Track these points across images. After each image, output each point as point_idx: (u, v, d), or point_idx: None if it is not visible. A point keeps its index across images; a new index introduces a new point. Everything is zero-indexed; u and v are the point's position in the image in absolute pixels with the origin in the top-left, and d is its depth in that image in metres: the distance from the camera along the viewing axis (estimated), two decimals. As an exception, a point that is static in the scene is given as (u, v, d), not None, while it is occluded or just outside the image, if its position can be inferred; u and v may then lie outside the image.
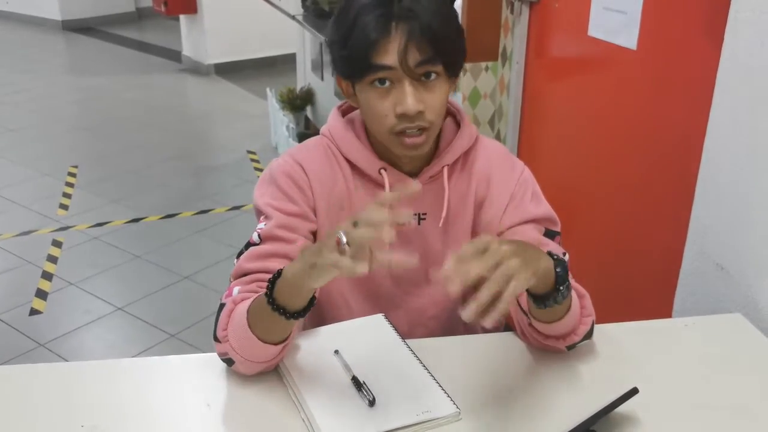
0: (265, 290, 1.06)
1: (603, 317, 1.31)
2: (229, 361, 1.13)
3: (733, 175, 1.41)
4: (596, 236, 2.11)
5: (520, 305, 1.19)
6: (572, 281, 1.17)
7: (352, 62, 1.16)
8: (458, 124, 1.32)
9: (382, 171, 1.26)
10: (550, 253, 1.06)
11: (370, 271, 0.94)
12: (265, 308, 1.05)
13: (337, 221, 1.26)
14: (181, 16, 6.75)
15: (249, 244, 1.23)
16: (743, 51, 1.35)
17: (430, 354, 1.18)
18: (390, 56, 1.13)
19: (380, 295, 1.33)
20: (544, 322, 1.14)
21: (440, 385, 1.11)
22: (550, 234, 1.29)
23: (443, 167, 1.28)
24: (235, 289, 1.17)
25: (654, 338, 1.29)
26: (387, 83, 1.15)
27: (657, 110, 1.82)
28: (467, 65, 2.39)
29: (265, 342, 1.09)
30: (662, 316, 1.61)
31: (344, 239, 0.93)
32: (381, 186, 1.27)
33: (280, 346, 1.11)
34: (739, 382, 1.18)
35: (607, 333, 1.28)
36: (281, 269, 1.05)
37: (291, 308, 1.05)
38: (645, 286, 1.84)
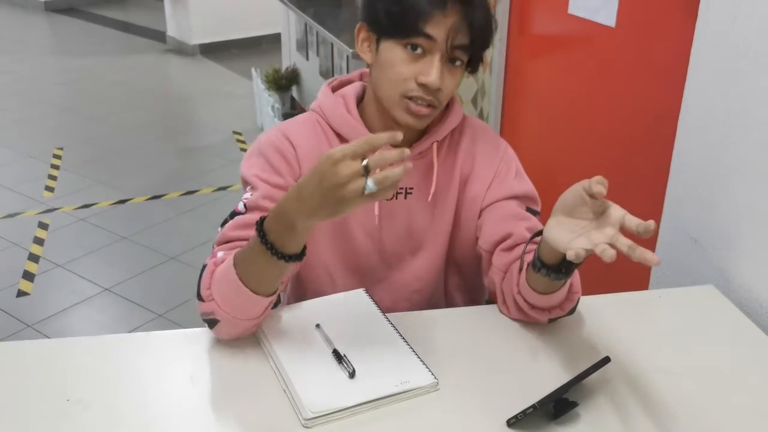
0: (256, 233, 1.05)
1: (583, 289, 1.34)
2: (212, 322, 1.15)
3: (707, 151, 1.44)
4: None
5: (519, 270, 1.21)
6: None
7: (401, 22, 1.17)
8: (448, 104, 1.35)
9: None
10: None
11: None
12: (255, 251, 1.05)
13: None
14: (166, -3, 6.71)
15: (234, 213, 1.24)
16: (716, 27, 1.37)
17: (410, 327, 1.21)
18: (439, 29, 1.16)
19: (364, 269, 1.35)
20: (538, 292, 1.16)
21: (419, 357, 1.14)
22: (531, 212, 1.32)
23: (433, 143, 1.30)
24: (219, 254, 1.18)
25: (628, 309, 1.33)
26: (419, 50, 1.18)
27: (635, 86, 1.85)
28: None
29: (256, 293, 1.09)
30: (639, 288, 1.64)
31: (373, 187, 0.94)
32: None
33: (268, 300, 1.12)
34: (711, 351, 1.22)
35: (584, 304, 1.30)
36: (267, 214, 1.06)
37: (283, 249, 1.04)
38: (623, 259, 1.87)
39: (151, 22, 7.62)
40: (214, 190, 4.07)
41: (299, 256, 1.07)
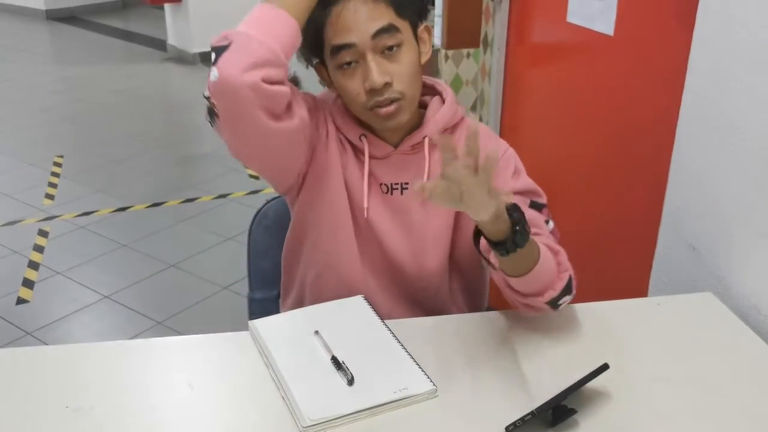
0: None
1: (582, 297, 1.35)
2: (219, 50, 1.08)
3: (705, 159, 1.44)
4: (575, 219, 2.14)
5: (493, 266, 1.20)
6: (545, 238, 1.21)
7: (318, 42, 1.21)
8: (443, 100, 1.35)
9: (363, 137, 1.29)
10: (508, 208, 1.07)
11: None
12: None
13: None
14: (166, 5, 6.72)
15: None
16: (713, 35, 1.38)
17: (408, 334, 1.21)
18: (350, 33, 1.17)
19: (367, 260, 1.35)
20: (516, 277, 1.15)
21: (417, 364, 1.14)
22: (536, 206, 1.31)
23: (424, 137, 1.31)
24: None
25: (627, 316, 1.33)
26: (352, 63, 1.19)
27: (633, 95, 1.85)
28: (449, 52, 2.41)
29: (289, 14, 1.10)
30: (638, 295, 1.64)
31: None
32: (362, 152, 1.30)
33: (292, 22, 1.11)
34: (709, 358, 1.22)
35: (583, 311, 1.31)
36: None
37: None
38: (622, 267, 1.88)
39: (152, 31, 7.65)
40: (213, 198, 4.07)
41: None
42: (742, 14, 1.30)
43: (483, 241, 1.14)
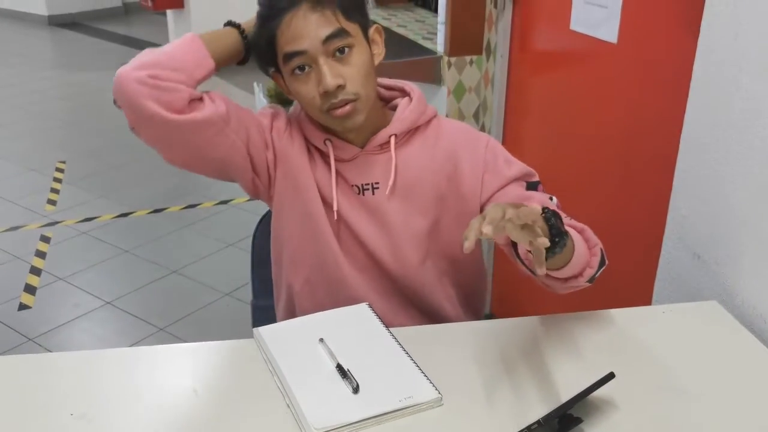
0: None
1: (586, 305, 1.35)
2: (125, 85, 1.17)
3: (710, 167, 1.44)
4: (579, 227, 2.14)
5: (529, 268, 1.21)
6: (568, 220, 1.22)
7: (270, 51, 1.25)
8: (410, 98, 1.37)
9: (327, 142, 1.32)
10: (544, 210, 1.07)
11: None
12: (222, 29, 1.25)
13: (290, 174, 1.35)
14: (168, 11, 6.73)
15: None
16: (718, 43, 1.38)
17: (413, 342, 1.21)
18: (299, 40, 1.20)
19: (350, 260, 1.36)
20: (555, 270, 1.16)
21: (423, 372, 1.14)
22: (531, 185, 1.33)
23: (390, 136, 1.32)
24: None
25: (632, 324, 1.32)
26: (305, 67, 1.22)
27: (637, 102, 1.85)
28: (452, 59, 2.41)
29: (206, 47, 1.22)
30: (643, 303, 1.64)
31: None
32: (327, 156, 1.33)
33: (208, 62, 1.22)
34: (714, 367, 1.21)
35: (588, 319, 1.31)
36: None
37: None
38: (626, 275, 1.87)
39: (154, 37, 7.66)
40: (215, 204, 4.08)
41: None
42: (748, 21, 1.30)
43: (522, 249, 1.15)
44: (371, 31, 1.29)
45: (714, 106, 1.41)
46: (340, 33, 1.21)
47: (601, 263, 1.23)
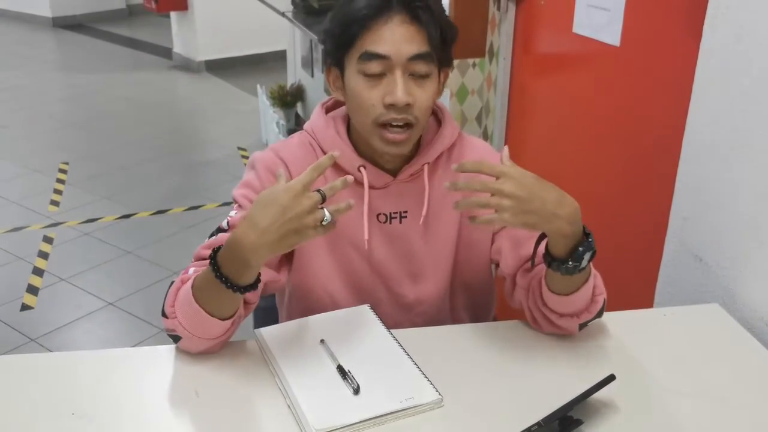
0: (210, 266, 1.08)
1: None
2: (175, 338, 1.17)
3: (711, 170, 1.44)
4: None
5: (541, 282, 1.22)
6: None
7: (349, 44, 1.19)
8: (440, 122, 1.34)
9: (362, 168, 1.27)
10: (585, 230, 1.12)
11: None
12: (211, 279, 1.08)
13: None
14: (172, 13, 6.75)
15: (218, 230, 1.25)
16: (720, 46, 1.38)
17: (414, 343, 1.21)
18: (390, 45, 1.16)
19: (363, 289, 1.35)
20: (559, 295, 1.16)
21: (423, 373, 1.14)
22: None
23: (424, 165, 1.30)
24: (191, 270, 1.20)
25: (633, 327, 1.32)
26: (379, 73, 1.18)
27: (639, 105, 1.85)
28: (455, 62, 2.41)
29: (212, 315, 1.11)
30: (644, 306, 1.64)
31: (329, 217, 1.02)
32: (360, 183, 1.28)
33: (227, 323, 1.14)
34: (715, 369, 1.21)
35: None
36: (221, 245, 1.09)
37: (237, 281, 1.07)
38: (628, 277, 1.87)
39: (158, 39, 7.67)
40: (218, 206, 4.08)
41: (253, 285, 1.10)
42: (750, 25, 1.30)
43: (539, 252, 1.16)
44: (444, 70, 1.27)
45: (716, 109, 1.41)
46: (427, 57, 1.18)
47: (599, 314, 1.23)
